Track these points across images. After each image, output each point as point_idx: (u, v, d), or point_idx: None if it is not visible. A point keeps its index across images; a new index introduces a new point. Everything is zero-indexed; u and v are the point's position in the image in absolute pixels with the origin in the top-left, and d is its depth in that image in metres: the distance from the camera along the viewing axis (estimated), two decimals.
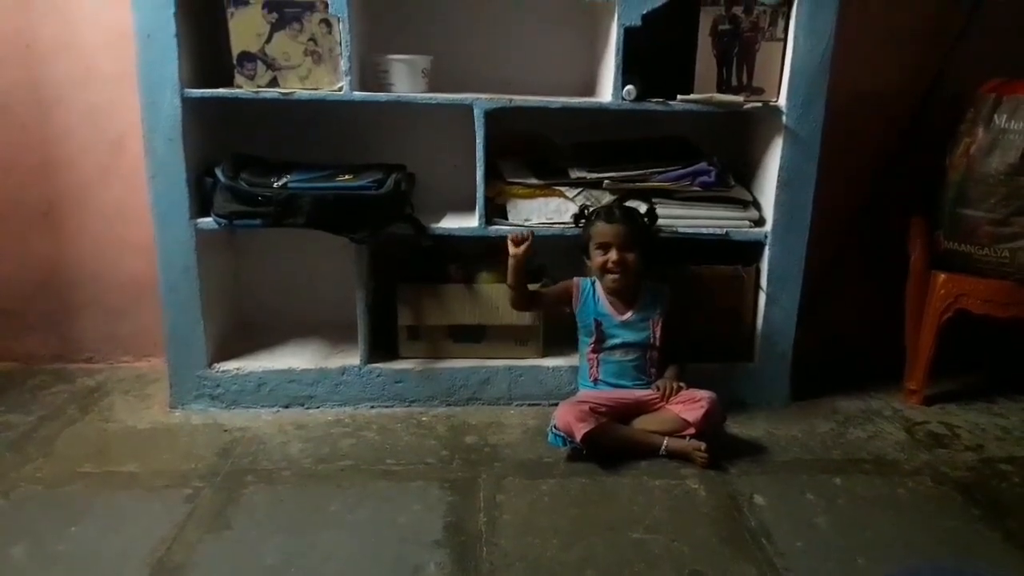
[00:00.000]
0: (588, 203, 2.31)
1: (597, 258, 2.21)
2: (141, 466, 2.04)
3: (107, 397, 2.44)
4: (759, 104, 2.28)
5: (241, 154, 2.32)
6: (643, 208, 2.28)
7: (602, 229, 2.19)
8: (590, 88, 2.50)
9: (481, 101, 2.23)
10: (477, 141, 2.25)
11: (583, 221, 2.27)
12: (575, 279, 2.29)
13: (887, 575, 1.69)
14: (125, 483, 1.97)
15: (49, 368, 2.63)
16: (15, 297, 2.64)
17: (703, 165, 2.34)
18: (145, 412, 2.34)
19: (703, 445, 2.09)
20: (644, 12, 2.17)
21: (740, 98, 2.27)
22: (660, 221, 2.30)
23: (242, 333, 2.58)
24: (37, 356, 2.67)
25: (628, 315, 2.26)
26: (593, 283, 2.27)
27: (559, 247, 2.33)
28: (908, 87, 2.66)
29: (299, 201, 2.18)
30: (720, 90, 2.30)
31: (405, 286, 2.41)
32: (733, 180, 2.42)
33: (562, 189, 2.37)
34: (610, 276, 2.20)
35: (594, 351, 2.26)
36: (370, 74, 2.30)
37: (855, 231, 2.76)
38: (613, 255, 2.18)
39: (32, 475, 1.99)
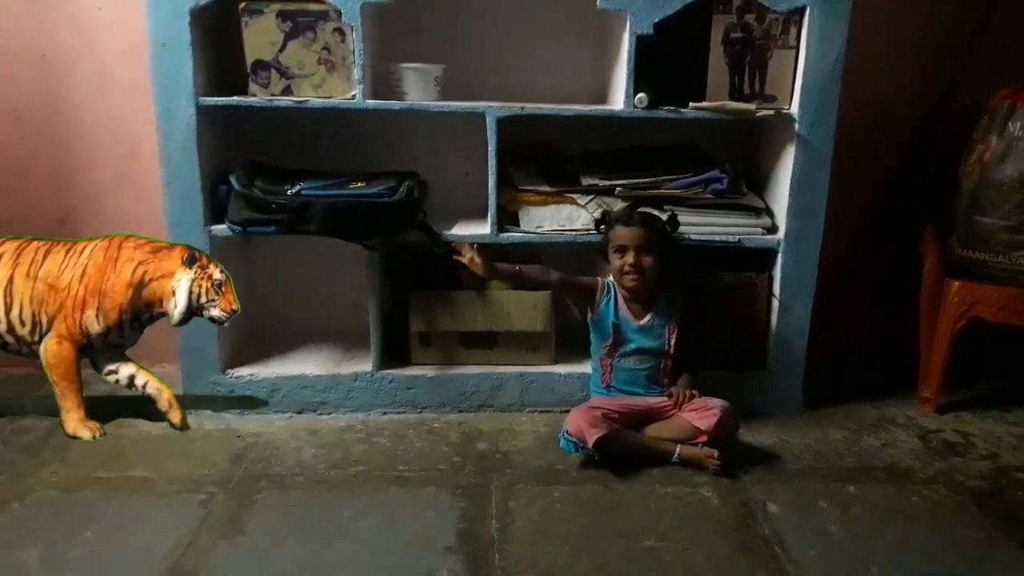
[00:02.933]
0: (599, 212, 2.31)
1: (615, 261, 2.21)
2: (155, 471, 2.05)
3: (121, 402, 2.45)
4: (771, 112, 2.28)
5: (255, 162, 2.33)
6: (664, 216, 2.28)
7: (620, 232, 2.20)
8: (602, 96, 2.50)
9: (493, 109, 2.24)
10: (489, 149, 2.26)
11: (603, 227, 2.27)
12: (600, 279, 2.29)
13: None
14: (139, 488, 1.98)
15: None
16: None
17: (715, 172, 2.34)
18: (159, 418, 2.35)
19: (716, 453, 2.08)
20: (656, 20, 2.18)
21: (752, 106, 2.27)
22: None
23: (255, 339, 2.59)
24: None
25: (645, 320, 2.26)
26: (614, 286, 2.28)
27: (571, 254, 2.34)
28: (921, 94, 2.66)
29: (312, 208, 2.19)
30: (732, 98, 2.30)
31: (417, 293, 2.41)
32: (745, 187, 2.42)
33: (574, 196, 2.37)
34: (627, 277, 2.21)
35: (608, 355, 2.26)
36: (383, 82, 2.32)
37: (868, 238, 2.75)
38: (630, 258, 2.18)
39: (47, 480, 2.00)
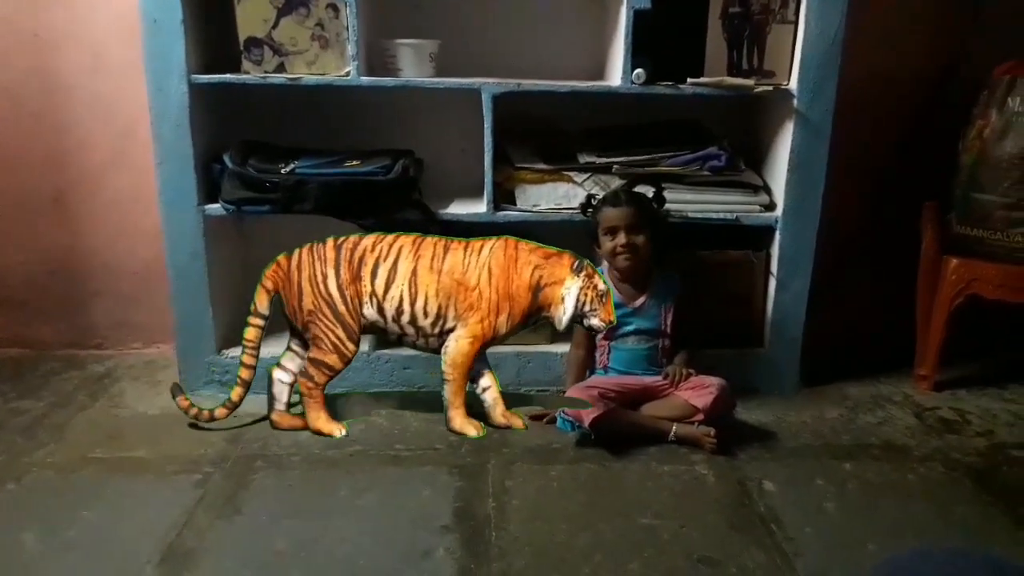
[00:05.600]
0: (596, 190, 2.30)
1: (606, 243, 2.20)
2: (152, 451, 2.05)
3: (117, 383, 2.45)
4: (770, 87, 2.26)
5: (249, 140, 2.32)
6: (651, 193, 2.27)
7: (609, 214, 2.19)
8: (599, 72, 2.48)
9: (489, 85, 2.22)
10: (485, 126, 2.23)
11: (590, 210, 2.25)
12: None
13: (894, 556, 1.66)
14: (136, 468, 1.98)
15: (60, 355, 2.65)
16: (26, 285, 2.65)
17: (713, 149, 2.32)
18: (155, 398, 2.35)
19: (712, 431, 2.08)
20: None
21: (751, 81, 2.25)
22: (670, 206, 2.29)
23: None
24: (48, 343, 2.68)
25: (639, 302, 2.25)
26: (602, 272, 2.26)
27: (568, 233, 2.32)
28: (923, 69, 2.63)
29: (307, 187, 2.18)
30: (730, 73, 2.28)
31: None
32: (743, 164, 2.40)
33: (571, 174, 2.36)
34: (620, 258, 2.19)
35: (605, 337, 2.25)
36: (377, 59, 2.29)
37: (867, 215, 2.74)
38: (622, 238, 2.17)
39: (43, 460, 2.01)
